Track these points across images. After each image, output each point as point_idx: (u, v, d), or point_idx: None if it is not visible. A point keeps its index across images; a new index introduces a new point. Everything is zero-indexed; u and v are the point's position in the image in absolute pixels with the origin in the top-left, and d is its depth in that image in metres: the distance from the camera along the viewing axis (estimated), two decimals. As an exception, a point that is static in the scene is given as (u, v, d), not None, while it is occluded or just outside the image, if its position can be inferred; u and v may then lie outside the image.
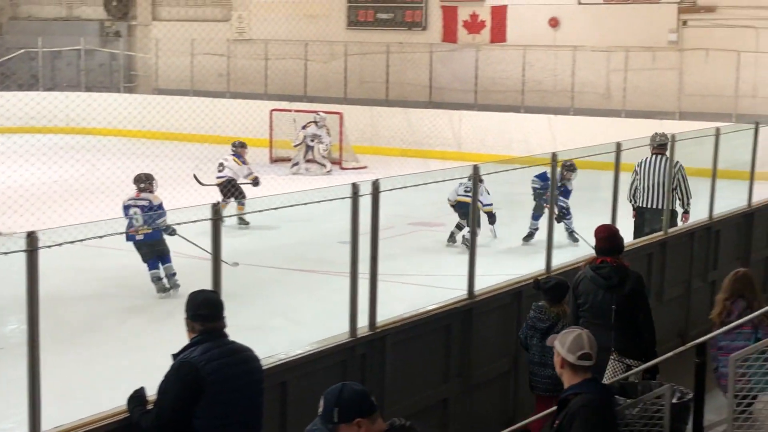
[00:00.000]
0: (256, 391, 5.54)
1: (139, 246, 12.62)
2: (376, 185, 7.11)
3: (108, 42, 34.08)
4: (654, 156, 13.09)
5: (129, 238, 12.38)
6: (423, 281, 12.83)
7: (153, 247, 12.62)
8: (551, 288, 7.74)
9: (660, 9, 26.71)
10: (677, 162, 12.58)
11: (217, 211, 6.20)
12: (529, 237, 15.44)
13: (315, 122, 24.27)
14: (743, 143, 13.48)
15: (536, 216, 15.38)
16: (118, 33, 34.35)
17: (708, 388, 7.24)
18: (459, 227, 15.17)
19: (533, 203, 15.41)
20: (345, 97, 29.45)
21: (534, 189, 15.21)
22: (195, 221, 6.27)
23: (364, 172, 23.50)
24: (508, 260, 13.55)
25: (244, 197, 16.32)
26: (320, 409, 4.36)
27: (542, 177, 14.58)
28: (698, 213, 12.55)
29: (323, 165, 24.20)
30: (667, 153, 12.40)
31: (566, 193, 15.06)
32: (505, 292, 8.78)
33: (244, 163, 17.53)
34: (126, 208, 12.84)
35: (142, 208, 12.71)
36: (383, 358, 7.43)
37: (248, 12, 32.57)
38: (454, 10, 29.71)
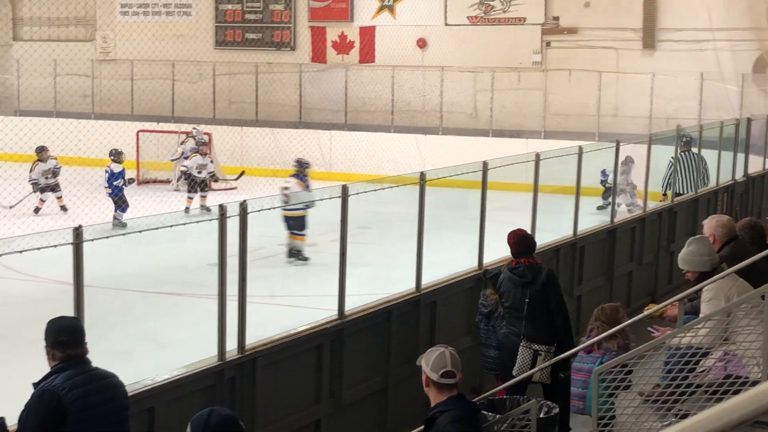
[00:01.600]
0: (121, 418, 5.41)
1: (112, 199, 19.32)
2: (243, 206, 7.05)
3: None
4: (683, 153, 16.15)
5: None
6: (294, 302, 12.77)
7: (114, 201, 19.22)
8: (492, 277, 8.91)
9: (524, 30, 27.30)
10: (702, 157, 16.33)
11: (78, 235, 6.05)
12: (601, 207, 19.10)
13: (193, 137, 24.16)
14: (606, 161, 13.84)
15: (605, 197, 19.72)
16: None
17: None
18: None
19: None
20: (214, 117, 29.20)
21: (601, 180, 19.79)
22: (55, 246, 6.10)
23: (233, 193, 23.30)
24: (378, 279, 13.58)
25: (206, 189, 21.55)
26: None
27: (603, 173, 19.48)
28: (563, 230, 12.81)
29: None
30: (694, 149, 16.29)
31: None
32: (376, 311, 8.79)
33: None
34: (105, 172, 19.67)
35: (106, 172, 19.53)
36: (253, 380, 7.34)
37: (113, 32, 32.04)
38: (323, 30, 29.80)
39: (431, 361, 5.40)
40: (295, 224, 15.89)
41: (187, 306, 12.74)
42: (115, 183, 19.39)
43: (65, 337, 5.27)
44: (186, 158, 23.62)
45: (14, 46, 33.02)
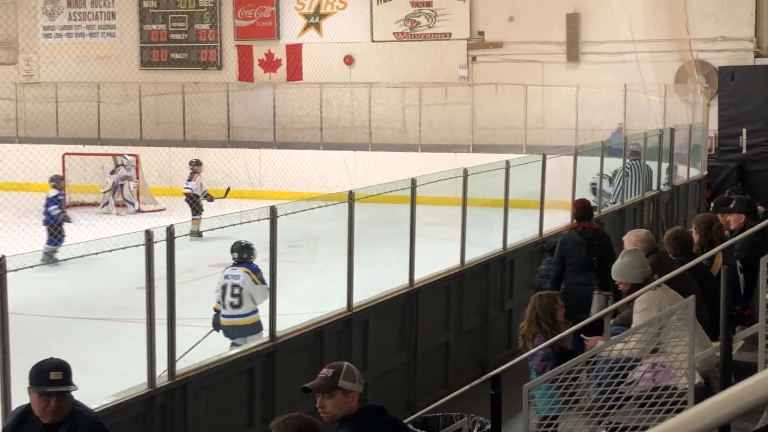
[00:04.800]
0: None
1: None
2: (170, 231, 6.98)
3: None
4: (632, 161, 16.95)
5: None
6: (226, 324, 12.60)
7: (47, 229, 18.04)
8: (554, 247, 10.93)
9: (450, 45, 27.49)
10: (646, 164, 17.37)
11: (1, 265, 5.94)
12: None
13: (123, 165, 24.22)
14: (533, 173, 13.95)
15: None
16: None
17: (506, 417, 7.39)
18: None
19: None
20: (141, 138, 28.90)
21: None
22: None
23: (162, 215, 23.08)
24: (310, 298, 13.53)
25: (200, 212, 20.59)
26: None
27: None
28: (493, 243, 12.88)
29: (132, 204, 24.13)
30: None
31: None
32: (307, 332, 8.75)
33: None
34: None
35: (46, 199, 18.48)
36: (184, 406, 7.26)
37: (36, 54, 31.60)
38: (249, 49, 29.71)
39: (357, 376, 5.15)
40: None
41: (117, 331, 12.56)
42: (49, 209, 18.32)
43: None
44: (119, 185, 23.67)
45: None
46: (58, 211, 18.35)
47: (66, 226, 18.41)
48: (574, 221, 11.22)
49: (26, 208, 24.27)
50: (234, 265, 10.95)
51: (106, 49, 30.92)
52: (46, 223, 18.24)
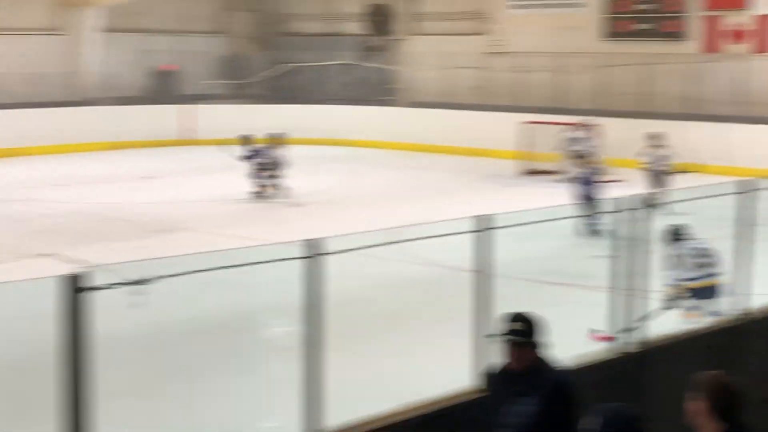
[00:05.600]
0: None
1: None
2: (647, 200, 6.98)
3: (369, 56, 34.98)
4: None
5: None
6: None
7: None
8: None
9: None
10: None
11: (486, 221, 6.23)
12: None
13: (583, 126, 24.33)
14: None
15: None
16: (378, 48, 35.18)
17: None
18: None
19: None
20: (600, 108, 28.83)
21: None
22: (460, 233, 6.33)
23: (623, 186, 22.93)
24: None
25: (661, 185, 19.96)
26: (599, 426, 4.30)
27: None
28: None
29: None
30: None
31: None
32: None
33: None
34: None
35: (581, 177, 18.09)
36: (646, 375, 7.24)
37: (503, 25, 32.63)
38: (716, 19, 28.72)
39: None
40: None
41: (574, 297, 12.78)
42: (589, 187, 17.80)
43: None
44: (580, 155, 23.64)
45: (412, 41, 34.47)
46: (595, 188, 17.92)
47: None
48: None
49: (486, 173, 25.35)
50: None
51: (570, 20, 31.23)
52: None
